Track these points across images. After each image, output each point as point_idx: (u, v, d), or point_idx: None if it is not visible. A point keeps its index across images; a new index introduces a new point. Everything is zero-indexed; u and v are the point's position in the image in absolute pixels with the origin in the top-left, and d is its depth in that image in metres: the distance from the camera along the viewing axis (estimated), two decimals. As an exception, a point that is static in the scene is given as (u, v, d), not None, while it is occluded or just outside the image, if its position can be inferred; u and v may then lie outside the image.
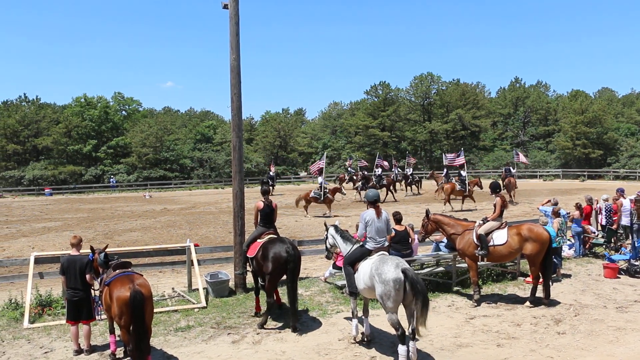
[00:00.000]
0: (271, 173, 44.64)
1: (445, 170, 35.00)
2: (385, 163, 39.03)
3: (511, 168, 34.31)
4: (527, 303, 10.20)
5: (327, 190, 27.55)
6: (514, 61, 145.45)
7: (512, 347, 8.11)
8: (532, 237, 10.21)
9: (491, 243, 10.38)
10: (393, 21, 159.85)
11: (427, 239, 11.87)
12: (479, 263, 10.80)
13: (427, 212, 11.24)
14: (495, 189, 11.20)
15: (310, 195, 27.32)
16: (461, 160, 31.16)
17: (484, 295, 10.88)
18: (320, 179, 28.32)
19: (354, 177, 37.14)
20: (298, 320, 9.25)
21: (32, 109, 62.88)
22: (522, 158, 36.23)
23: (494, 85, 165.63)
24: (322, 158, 32.34)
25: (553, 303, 10.23)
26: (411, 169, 38.72)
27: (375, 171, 35.47)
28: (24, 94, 66.96)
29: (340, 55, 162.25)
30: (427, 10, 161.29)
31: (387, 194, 33.26)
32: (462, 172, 29.63)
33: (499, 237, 10.41)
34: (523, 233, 10.31)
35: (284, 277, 9.31)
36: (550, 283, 10.47)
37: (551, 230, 11.25)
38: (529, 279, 11.10)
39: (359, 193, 34.55)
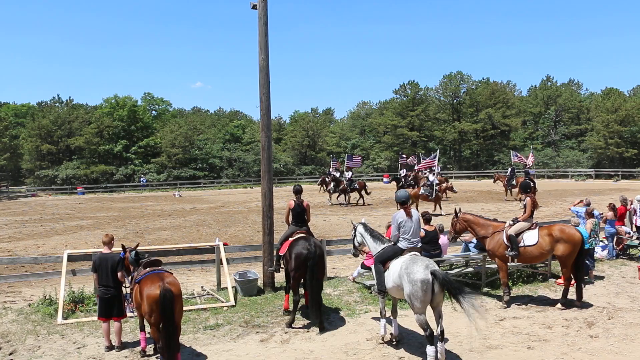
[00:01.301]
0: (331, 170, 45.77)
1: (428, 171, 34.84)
2: (358, 161, 38.53)
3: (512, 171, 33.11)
4: (559, 305, 10.02)
5: (437, 188, 27.47)
6: (545, 59, 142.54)
7: (543, 349, 7.98)
8: (564, 238, 10.02)
9: (522, 244, 10.23)
10: (422, 20, 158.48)
11: (456, 239, 11.74)
12: (509, 264, 10.66)
13: (456, 211, 11.12)
14: (525, 188, 11.05)
15: (420, 192, 27.13)
16: (531, 159, 31.66)
17: (514, 296, 10.72)
18: (431, 177, 28.11)
19: (326, 180, 36.34)
20: (321, 319, 9.12)
21: (65, 109, 64.27)
22: (530, 159, 35.60)
23: (525, 84, 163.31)
24: (433, 156, 31.56)
25: (585, 305, 10.04)
26: (405, 172, 37.58)
27: (345, 174, 34.78)
28: (58, 95, 68.43)
29: (369, 55, 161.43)
30: (457, 9, 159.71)
31: (359, 197, 32.97)
32: (529, 170, 29.88)
33: (530, 238, 10.25)
34: (554, 234, 10.13)
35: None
36: (583, 285, 10.27)
37: (583, 231, 11.03)
38: (561, 280, 10.91)
39: (330, 196, 34.06)
